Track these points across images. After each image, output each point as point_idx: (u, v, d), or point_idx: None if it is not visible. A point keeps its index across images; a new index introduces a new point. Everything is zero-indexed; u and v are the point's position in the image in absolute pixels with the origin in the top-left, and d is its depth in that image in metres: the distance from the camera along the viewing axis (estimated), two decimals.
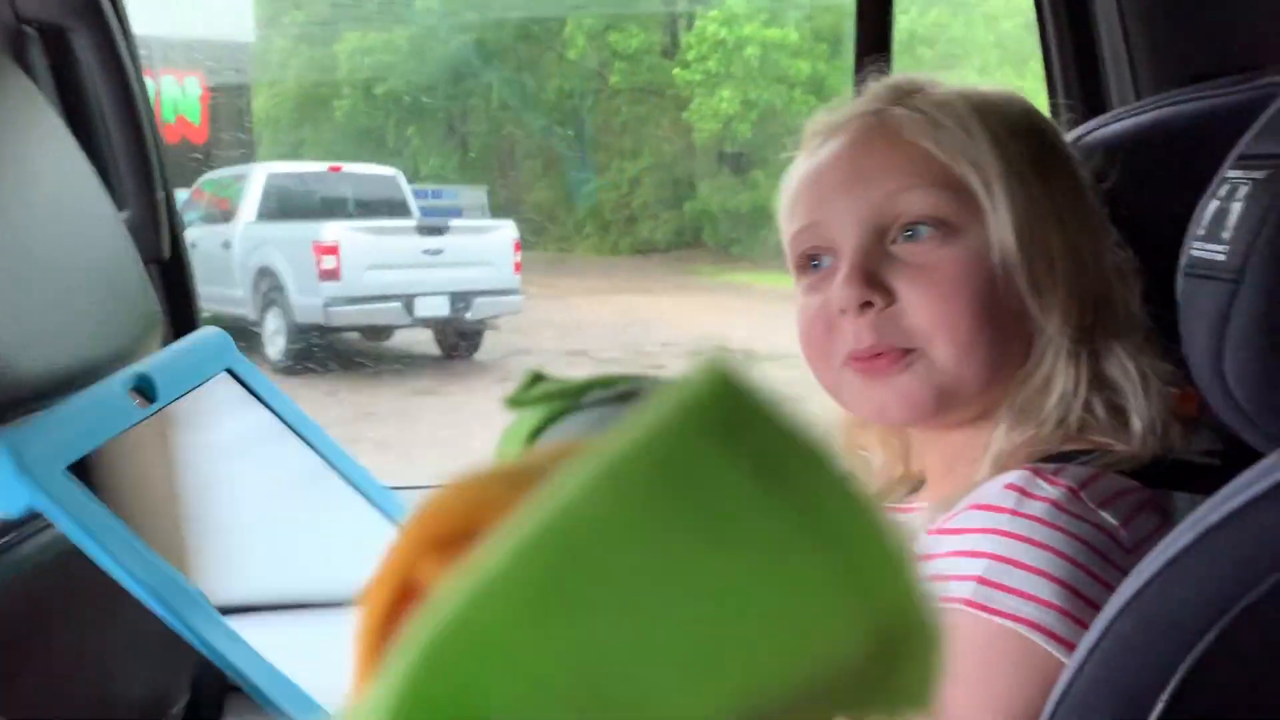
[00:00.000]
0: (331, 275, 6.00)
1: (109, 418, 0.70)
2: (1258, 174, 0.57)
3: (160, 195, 1.19)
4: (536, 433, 0.33)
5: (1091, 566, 0.61)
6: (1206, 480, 0.68)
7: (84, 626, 0.76)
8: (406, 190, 6.91)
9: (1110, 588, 0.60)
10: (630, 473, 0.13)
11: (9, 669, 0.69)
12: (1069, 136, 0.85)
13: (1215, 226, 0.59)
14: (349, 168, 7.07)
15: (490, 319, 6.43)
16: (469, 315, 6.22)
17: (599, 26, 9.03)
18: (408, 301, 6.06)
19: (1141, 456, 0.68)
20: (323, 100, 9.04)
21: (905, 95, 0.75)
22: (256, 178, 6.77)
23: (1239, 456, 0.66)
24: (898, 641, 0.14)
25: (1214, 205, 0.60)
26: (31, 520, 0.72)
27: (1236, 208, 0.58)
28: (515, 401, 0.33)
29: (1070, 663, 0.55)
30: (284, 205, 6.70)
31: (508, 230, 6.73)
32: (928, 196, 0.72)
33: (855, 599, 0.13)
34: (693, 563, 0.12)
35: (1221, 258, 0.58)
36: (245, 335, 6.28)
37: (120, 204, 1.18)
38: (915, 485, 0.85)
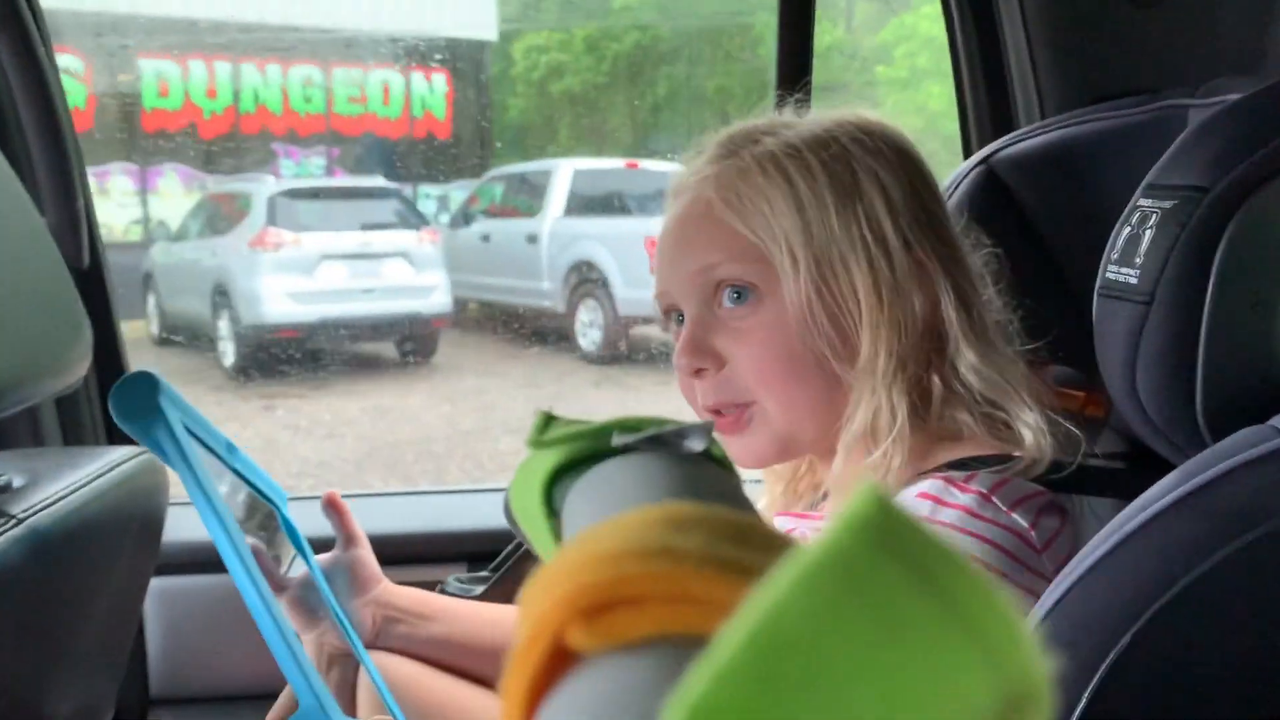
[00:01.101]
0: None
1: None
2: (1166, 204, 0.62)
3: (80, 202, 1.17)
4: (556, 474, 0.33)
5: (1006, 570, 0.65)
6: (1111, 484, 0.73)
7: (17, 629, 0.74)
8: None
9: (1026, 589, 0.64)
10: (820, 581, 0.17)
11: None
12: (980, 154, 0.89)
13: (1128, 252, 0.63)
14: (644, 164, 7.05)
15: None
16: None
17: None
18: None
19: (1041, 460, 0.72)
20: (564, 97, 8.74)
21: (732, 151, 0.80)
22: (563, 174, 6.89)
23: (1143, 459, 0.71)
24: (1023, 702, 0.18)
25: (1127, 231, 0.64)
26: None
27: (1148, 235, 0.62)
28: (536, 444, 0.33)
29: None
30: (589, 200, 6.86)
31: None
32: (734, 268, 0.78)
33: (993, 673, 0.17)
34: (872, 652, 0.16)
35: (1134, 281, 0.62)
36: (558, 326, 6.53)
37: (39, 210, 1.14)
38: (819, 494, 0.89)
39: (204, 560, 1.27)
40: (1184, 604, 0.54)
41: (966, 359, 0.75)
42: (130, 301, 7.10)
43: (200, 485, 0.60)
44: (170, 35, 7.38)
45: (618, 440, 0.33)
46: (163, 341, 6.89)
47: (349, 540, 1.00)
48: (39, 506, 0.77)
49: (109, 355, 1.32)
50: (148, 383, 0.61)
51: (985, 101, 1.13)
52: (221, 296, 6.34)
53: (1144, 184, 0.64)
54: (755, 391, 0.78)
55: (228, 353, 6.24)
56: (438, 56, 7.77)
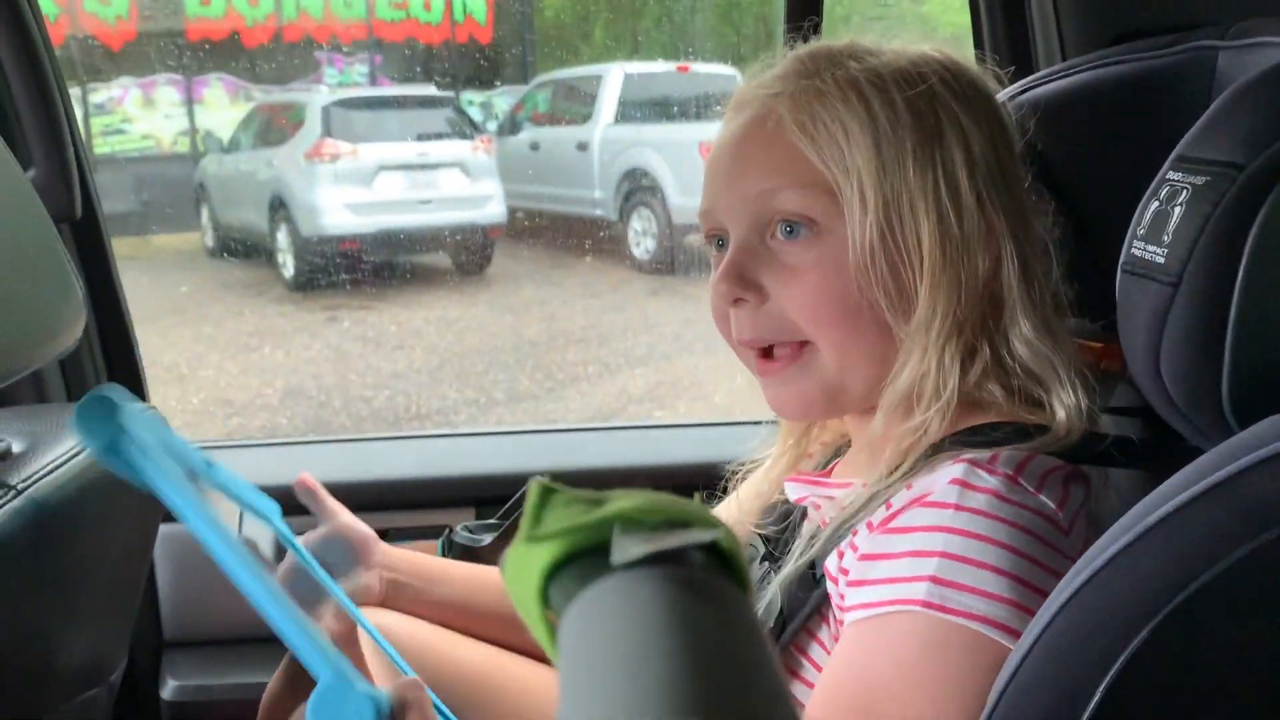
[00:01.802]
0: None
1: None
2: (1196, 180, 0.58)
3: (70, 153, 1.15)
4: (552, 570, 0.32)
5: (1036, 554, 0.64)
6: (1132, 455, 0.71)
7: (20, 597, 0.76)
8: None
9: (1053, 572, 0.63)
10: None
11: None
12: (999, 97, 0.84)
13: (1155, 229, 0.60)
14: (696, 67, 6.85)
15: None
16: None
17: None
18: None
19: (1069, 439, 0.70)
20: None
21: (813, 71, 0.75)
22: (613, 79, 6.74)
23: (1158, 420, 0.68)
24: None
25: (1154, 207, 0.61)
26: None
27: (1177, 212, 0.59)
28: (530, 539, 0.32)
29: (1013, 655, 0.58)
30: (640, 106, 6.75)
31: None
32: (798, 197, 0.73)
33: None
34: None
35: (1161, 260, 0.59)
36: (610, 235, 6.51)
37: (27, 162, 1.13)
38: (833, 450, 0.88)
39: None
40: (1204, 601, 0.53)
41: (1021, 330, 0.72)
42: (183, 214, 7.20)
43: (176, 491, 0.59)
44: None
45: (618, 555, 0.31)
46: (219, 253, 6.99)
47: (329, 514, 0.98)
48: (39, 475, 0.78)
49: (110, 307, 1.32)
50: (105, 405, 0.58)
51: (1004, 41, 1.07)
52: (280, 208, 6.39)
53: (1174, 155, 0.61)
54: (807, 330, 0.75)
55: (288, 265, 6.32)
56: None
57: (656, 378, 4.78)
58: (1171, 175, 0.60)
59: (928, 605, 0.63)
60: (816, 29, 0.85)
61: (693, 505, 0.34)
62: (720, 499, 0.93)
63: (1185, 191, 0.59)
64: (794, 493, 0.83)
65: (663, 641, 0.27)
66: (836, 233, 0.73)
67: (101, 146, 7.63)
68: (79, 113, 6.29)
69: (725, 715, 0.23)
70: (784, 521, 0.84)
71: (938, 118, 0.72)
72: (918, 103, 0.72)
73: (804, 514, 0.82)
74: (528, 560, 0.32)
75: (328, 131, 6.40)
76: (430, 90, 7.37)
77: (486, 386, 4.71)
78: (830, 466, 0.86)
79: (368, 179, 6.27)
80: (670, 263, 6.22)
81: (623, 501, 0.33)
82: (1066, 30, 0.99)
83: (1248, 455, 0.54)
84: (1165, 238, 0.59)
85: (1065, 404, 0.70)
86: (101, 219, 1.25)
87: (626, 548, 0.31)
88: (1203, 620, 0.53)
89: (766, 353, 0.77)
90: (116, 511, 0.91)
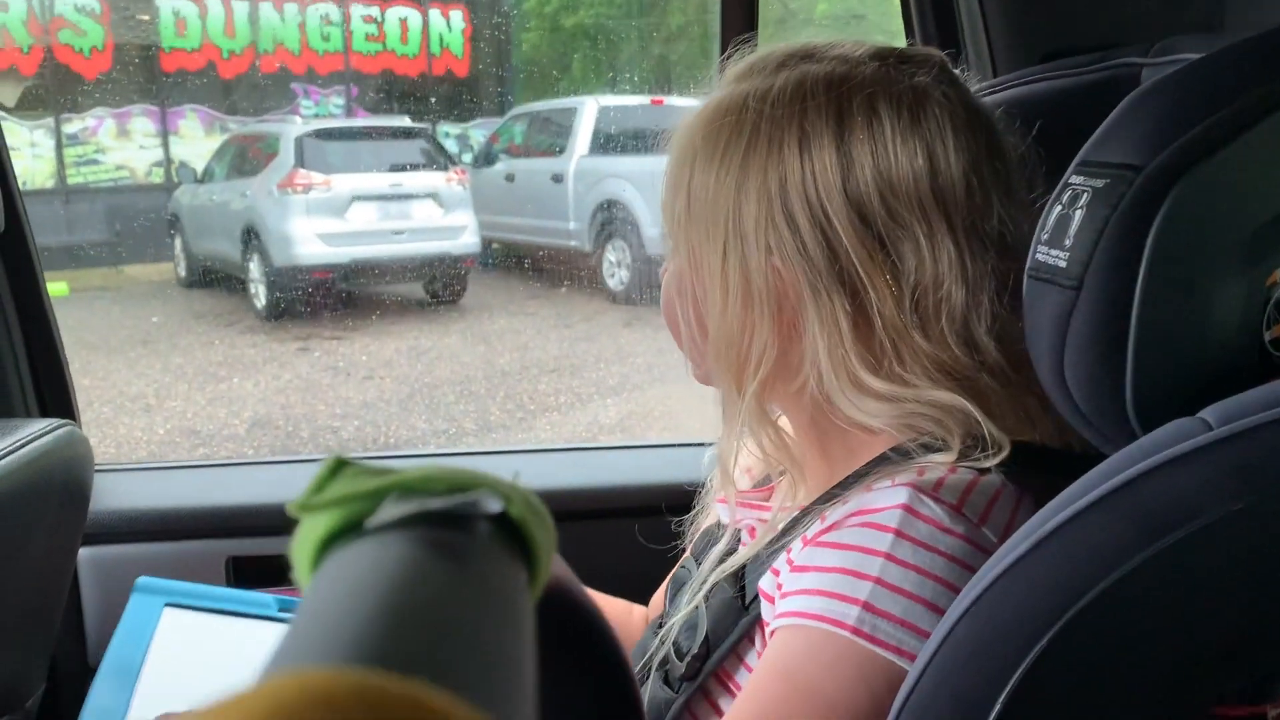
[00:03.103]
0: None
1: None
2: (1097, 182, 0.58)
3: None
4: (326, 543, 0.31)
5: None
6: (1065, 466, 0.70)
7: None
8: None
9: None
10: None
11: None
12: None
13: (1058, 233, 0.60)
14: (671, 100, 6.96)
15: None
16: None
17: None
18: None
19: (1000, 453, 0.68)
20: (581, 33, 8.62)
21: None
22: (588, 111, 6.83)
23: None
24: None
25: (1057, 211, 0.60)
26: None
27: (1078, 215, 0.58)
28: (303, 507, 0.31)
29: (915, 665, 0.57)
30: (614, 139, 6.79)
31: None
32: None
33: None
34: None
35: (1063, 264, 0.59)
36: (580, 267, 6.54)
37: None
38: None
39: (138, 529, 1.27)
40: (1102, 609, 0.52)
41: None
42: (156, 244, 7.18)
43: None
44: None
45: (373, 519, 0.30)
46: (191, 284, 6.95)
47: None
48: None
49: (35, 318, 1.29)
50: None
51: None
52: (252, 238, 6.37)
53: (1077, 159, 0.61)
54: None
55: (259, 295, 6.29)
56: None
57: (628, 408, 4.77)
58: (1074, 179, 0.60)
59: (857, 633, 0.62)
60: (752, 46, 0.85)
61: (484, 475, 0.33)
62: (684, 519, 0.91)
63: (1086, 194, 0.58)
64: (725, 515, 0.81)
65: (369, 594, 0.26)
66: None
67: (75, 177, 7.60)
68: (50, 142, 6.29)
69: (412, 670, 0.22)
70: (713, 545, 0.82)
71: (771, 137, 0.69)
72: (759, 121, 0.70)
73: (737, 537, 0.80)
74: (306, 532, 0.31)
75: (301, 162, 6.40)
76: (405, 122, 7.40)
77: (457, 416, 4.68)
78: (768, 486, 0.84)
79: (341, 209, 6.27)
80: (643, 294, 6.24)
81: (407, 472, 0.31)
82: (997, 48, 0.99)
83: (1145, 461, 0.53)
84: (1067, 241, 0.59)
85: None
86: (29, 233, 1.23)
87: (386, 512, 0.30)
88: (1100, 629, 0.52)
89: None
90: (31, 523, 0.90)
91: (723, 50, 1.09)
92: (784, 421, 0.78)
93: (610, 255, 6.43)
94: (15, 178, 1.21)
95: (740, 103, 0.70)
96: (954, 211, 0.69)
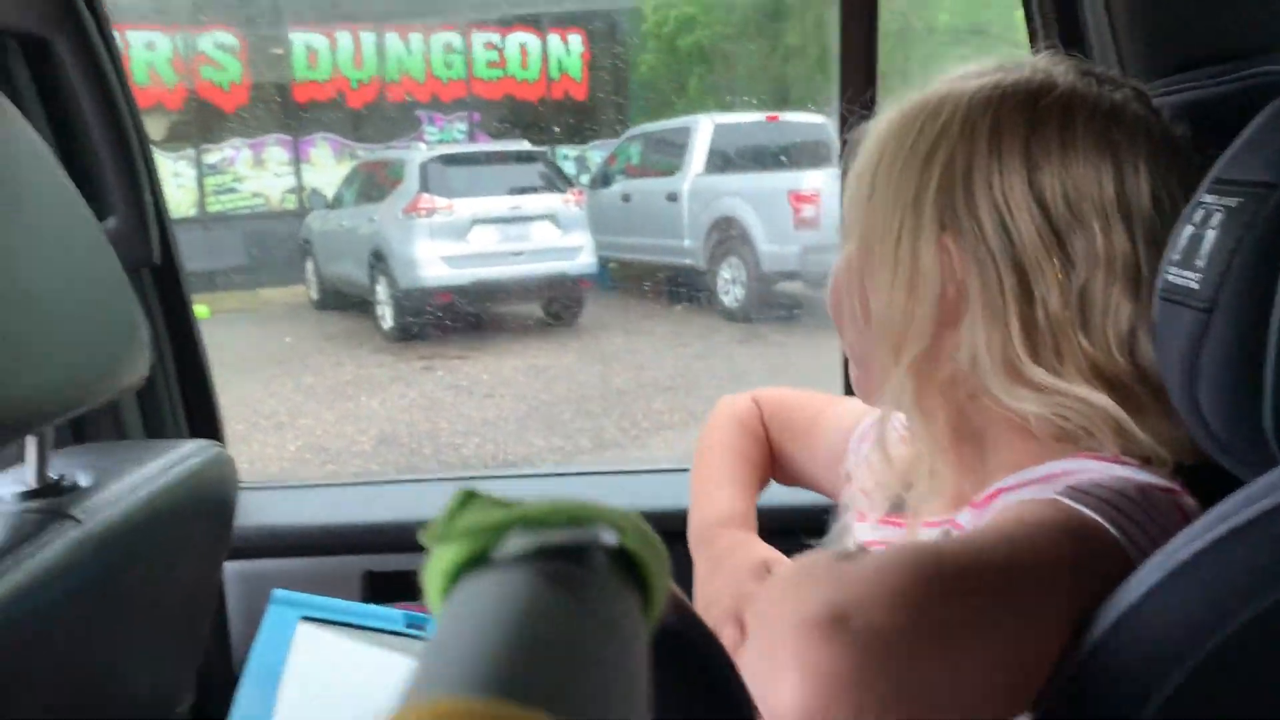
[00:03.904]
0: (811, 224, 6.09)
1: None
2: (1230, 201, 0.56)
3: (148, 199, 1.20)
4: (455, 573, 0.32)
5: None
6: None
7: (82, 628, 0.79)
8: (834, 137, 6.96)
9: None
10: None
11: (16, 672, 0.71)
12: None
13: (1189, 253, 0.58)
14: (785, 116, 7.04)
15: None
16: None
17: None
18: None
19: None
20: (698, 54, 8.76)
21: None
22: (703, 130, 6.94)
23: None
24: None
25: (1189, 230, 0.59)
26: (34, 537, 0.75)
27: (1210, 235, 0.57)
28: (434, 537, 0.33)
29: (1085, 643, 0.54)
30: (730, 156, 6.88)
31: None
32: None
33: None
34: None
35: (1195, 286, 0.57)
36: (696, 286, 6.66)
37: (108, 210, 1.19)
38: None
39: (280, 544, 1.33)
40: (1238, 645, 0.50)
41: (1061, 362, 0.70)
42: (290, 268, 7.49)
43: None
44: (318, 6, 7.65)
45: (498, 552, 0.31)
46: (323, 305, 7.23)
47: None
48: (103, 507, 0.81)
49: (186, 345, 1.36)
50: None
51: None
52: (379, 262, 6.60)
53: (1209, 177, 0.59)
54: None
55: (386, 316, 6.50)
56: (574, 17, 7.77)
57: None
58: (1206, 198, 0.58)
59: (1063, 496, 0.61)
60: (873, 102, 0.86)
61: (601, 509, 0.34)
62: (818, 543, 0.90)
63: (1219, 214, 0.56)
64: (866, 536, 0.80)
65: (496, 626, 0.27)
66: None
67: (214, 205, 8.01)
68: (192, 172, 6.63)
69: (534, 699, 0.23)
70: None
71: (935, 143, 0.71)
72: (926, 129, 0.71)
73: None
74: (436, 560, 0.32)
75: (425, 187, 6.60)
76: (524, 145, 7.56)
77: (573, 434, 4.74)
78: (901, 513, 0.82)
79: (462, 232, 6.44)
80: (758, 311, 6.20)
81: (530, 506, 0.33)
82: (1126, 60, 0.96)
83: None
84: (1199, 262, 0.57)
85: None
86: (180, 265, 1.30)
87: (510, 545, 0.31)
88: (1237, 667, 0.50)
89: None
90: (181, 543, 0.94)
91: (842, 64, 1.09)
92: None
93: (725, 273, 6.45)
94: (168, 213, 1.28)
95: (936, 102, 0.72)
96: (1136, 221, 0.68)
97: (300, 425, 4.90)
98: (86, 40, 1.13)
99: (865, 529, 0.82)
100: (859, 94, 1.06)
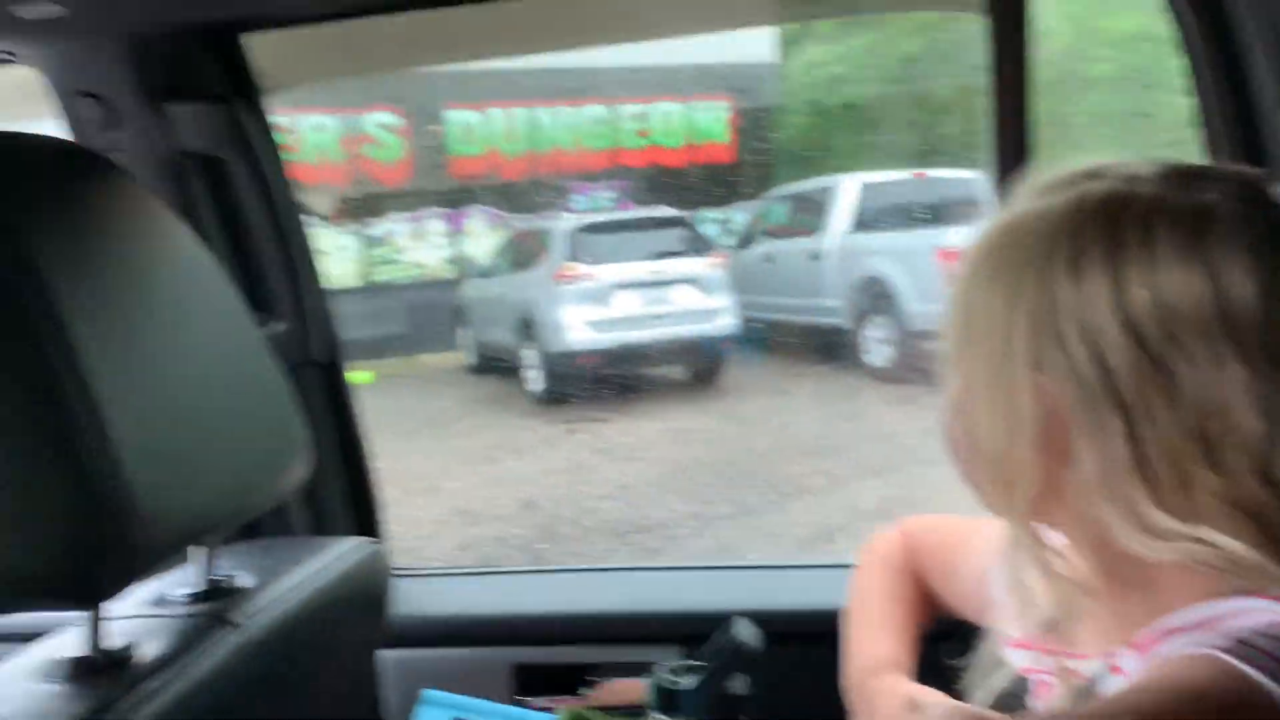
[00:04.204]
0: None
1: None
2: None
3: (312, 302, 1.28)
4: None
5: None
6: None
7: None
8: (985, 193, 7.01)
9: None
10: None
11: None
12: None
13: None
14: (934, 172, 7.02)
15: None
16: None
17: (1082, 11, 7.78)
18: None
19: None
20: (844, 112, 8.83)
21: None
22: (847, 189, 7.05)
23: None
24: None
25: None
26: (197, 644, 0.78)
27: None
28: None
29: None
30: (876, 214, 6.92)
31: None
32: None
33: None
34: None
35: None
36: (841, 345, 6.64)
37: (276, 312, 1.28)
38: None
39: (430, 634, 1.34)
40: None
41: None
42: (445, 335, 7.79)
43: None
44: (472, 85, 8.00)
45: None
46: (478, 370, 7.48)
47: None
48: (262, 610, 0.84)
49: (350, 446, 1.41)
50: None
51: (1238, 140, 0.97)
52: (526, 327, 6.80)
53: None
54: None
55: (533, 380, 6.68)
56: (718, 82, 7.86)
57: (889, 491, 4.63)
58: None
59: (1227, 652, 0.57)
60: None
61: None
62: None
63: None
64: (1021, 661, 0.77)
65: None
66: None
67: (377, 276, 8.44)
68: (357, 246, 7.01)
69: None
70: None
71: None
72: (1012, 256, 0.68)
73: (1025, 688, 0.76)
74: None
75: (572, 255, 6.79)
76: (667, 211, 7.69)
77: (712, 499, 4.73)
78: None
79: (606, 297, 6.59)
80: (907, 371, 6.08)
81: None
82: None
83: None
84: None
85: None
86: (341, 361, 1.36)
87: None
88: None
89: None
90: (335, 642, 0.97)
91: (997, 117, 1.06)
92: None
93: (870, 332, 6.37)
94: (336, 320, 1.35)
95: (1020, 222, 0.69)
96: (1246, 336, 0.63)
97: (448, 488, 5.06)
98: (256, 159, 1.24)
99: (1019, 655, 0.77)
100: (1011, 157, 1.03)
